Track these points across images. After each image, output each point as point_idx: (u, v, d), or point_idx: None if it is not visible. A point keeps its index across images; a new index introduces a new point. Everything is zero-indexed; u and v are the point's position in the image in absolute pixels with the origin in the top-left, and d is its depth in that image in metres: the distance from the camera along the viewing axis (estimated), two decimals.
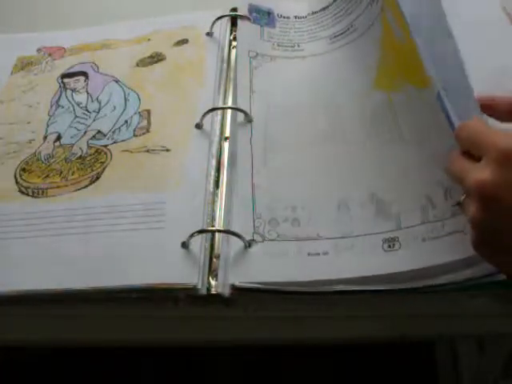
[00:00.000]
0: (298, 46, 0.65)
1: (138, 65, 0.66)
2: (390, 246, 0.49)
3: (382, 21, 0.61)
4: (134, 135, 0.59)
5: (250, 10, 0.68)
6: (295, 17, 0.68)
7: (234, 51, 0.66)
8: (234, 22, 0.69)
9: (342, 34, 0.65)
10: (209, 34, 0.67)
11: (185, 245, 0.50)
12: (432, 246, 0.48)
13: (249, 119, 0.58)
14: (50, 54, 0.69)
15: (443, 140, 0.50)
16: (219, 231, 0.51)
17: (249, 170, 0.55)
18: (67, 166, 0.58)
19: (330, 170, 0.54)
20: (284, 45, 0.65)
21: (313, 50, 0.64)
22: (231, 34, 0.68)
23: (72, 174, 0.57)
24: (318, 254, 0.49)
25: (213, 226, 0.52)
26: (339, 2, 0.67)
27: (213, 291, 0.48)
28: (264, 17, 0.68)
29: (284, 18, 0.68)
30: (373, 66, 0.60)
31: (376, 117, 0.56)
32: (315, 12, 0.68)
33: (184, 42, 0.67)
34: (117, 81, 0.65)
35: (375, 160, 0.54)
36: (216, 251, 0.51)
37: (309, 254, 0.49)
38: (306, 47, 0.65)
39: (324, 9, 0.68)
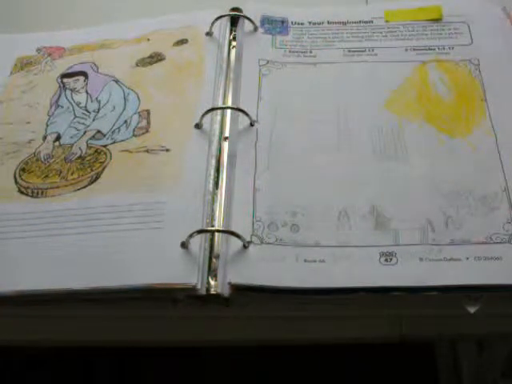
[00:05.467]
0: (310, 52, 0.65)
1: (137, 65, 0.66)
2: (386, 260, 0.49)
3: (418, 68, 0.62)
4: (134, 135, 0.59)
5: (263, 21, 0.68)
6: (309, 22, 0.68)
7: (233, 51, 0.66)
8: (233, 21, 0.69)
9: (359, 51, 0.65)
10: (208, 34, 0.67)
11: (184, 245, 0.50)
12: (429, 266, 0.49)
13: (251, 121, 0.58)
14: (49, 54, 0.69)
15: (451, 174, 0.53)
16: (219, 231, 0.51)
17: (251, 173, 0.55)
18: (67, 165, 0.58)
19: (332, 178, 0.54)
20: (296, 51, 0.65)
21: (325, 58, 0.64)
22: (231, 33, 0.68)
23: (71, 174, 0.57)
24: (315, 262, 0.49)
25: (212, 226, 0.52)
26: (360, 24, 0.67)
27: (212, 291, 0.48)
28: (277, 26, 0.68)
29: (298, 24, 0.68)
30: (387, 89, 0.61)
31: (384, 135, 0.57)
32: (332, 22, 0.68)
33: (184, 41, 0.67)
34: (116, 81, 0.65)
35: (379, 175, 0.54)
36: (215, 251, 0.51)
37: (305, 261, 0.49)
38: (319, 54, 0.65)
39: (342, 23, 0.68)
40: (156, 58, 0.66)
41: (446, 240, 0.50)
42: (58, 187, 0.56)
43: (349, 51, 0.65)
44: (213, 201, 0.54)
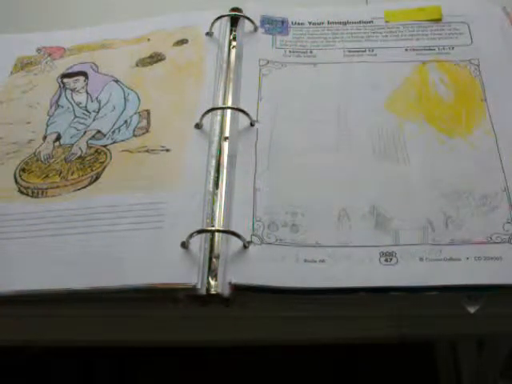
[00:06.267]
0: (311, 52, 0.65)
1: (137, 65, 0.66)
2: (386, 260, 0.49)
3: (417, 68, 0.62)
4: (134, 135, 0.59)
5: (263, 21, 0.68)
6: (309, 22, 0.68)
7: (233, 51, 0.66)
8: (233, 21, 0.69)
9: (359, 51, 0.65)
10: (208, 34, 0.67)
11: (184, 245, 0.50)
12: (429, 266, 0.49)
13: (251, 121, 0.58)
14: (49, 54, 0.69)
15: (451, 174, 0.53)
16: (219, 231, 0.51)
17: (251, 173, 0.55)
18: (67, 165, 0.58)
19: (332, 178, 0.55)
20: (296, 51, 0.65)
21: (325, 58, 0.64)
22: (231, 33, 0.68)
23: (72, 174, 0.57)
24: (315, 262, 0.49)
25: (212, 226, 0.52)
26: (360, 25, 0.67)
27: (212, 291, 0.48)
28: (277, 26, 0.68)
29: (298, 24, 0.68)
30: (386, 89, 0.61)
31: (384, 135, 0.57)
32: (332, 22, 0.68)
33: (184, 41, 0.67)
34: (116, 81, 0.65)
35: (379, 175, 0.55)
36: (216, 251, 0.51)
37: (305, 261, 0.49)
38: (319, 54, 0.65)
39: (342, 23, 0.68)
40: (156, 58, 0.66)
41: (446, 240, 0.50)
42: (58, 187, 0.56)
43: (349, 51, 0.65)
44: (213, 201, 0.54)
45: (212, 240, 0.51)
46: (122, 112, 0.61)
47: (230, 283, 0.48)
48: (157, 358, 0.83)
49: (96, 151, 0.58)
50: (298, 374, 0.81)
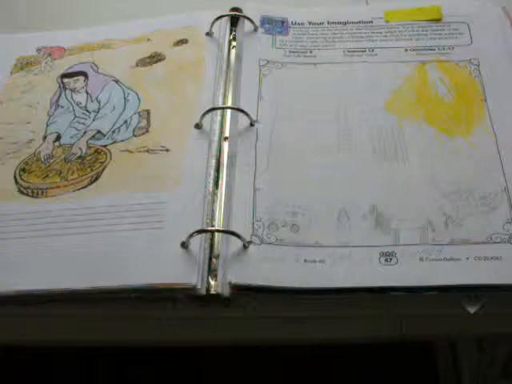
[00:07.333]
0: (311, 52, 0.65)
1: (137, 65, 0.66)
2: (386, 260, 0.49)
3: (417, 68, 0.62)
4: (134, 135, 0.59)
5: (263, 21, 0.68)
6: (309, 22, 0.68)
7: (233, 51, 0.66)
8: (233, 21, 0.69)
9: (359, 51, 0.65)
10: (208, 34, 0.67)
11: (184, 245, 0.50)
12: (429, 266, 0.49)
13: (251, 121, 0.58)
14: (49, 54, 0.69)
15: (451, 174, 0.53)
16: (219, 231, 0.51)
17: (251, 173, 0.55)
18: (67, 165, 0.58)
19: (332, 179, 0.55)
20: (296, 51, 0.65)
21: (325, 58, 0.64)
22: (231, 33, 0.68)
23: (72, 174, 0.57)
24: (315, 262, 0.49)
25: (212, 226, 0.52)
26: (360, 25, 0.67)
27: (212, 291, 0.48)
28: (277, 26, 0.68)
29: (298, 24, 0.68)
30: (386, 89, 0.61)
31: (384, 136, 0.57)
32: (332, 22, 0.68)
33: (184, 41, 0.67)
34: (116, 81, 0.65)
35: (378, 175, 0.55)
36: (215, 251, 0.51)
37: (305, 261, 0.49)
38: (319, 54, 0.65)
39: (342, 23, 0.68)
40: (156, 58, 0.66)
41: (446, 240, 0.50)
42: (58, 187, 0.56)
43: (349, 51, 0.65)
44: (213, 201, 0.54)
45: (212, 240, 0.51)
46: (122, 112, 0.61)
47: (229, 283, 0.48)
48: (157, 358, 0.83)
49: (96, 151, 0.58)
50: (298, 374, 0.81)
